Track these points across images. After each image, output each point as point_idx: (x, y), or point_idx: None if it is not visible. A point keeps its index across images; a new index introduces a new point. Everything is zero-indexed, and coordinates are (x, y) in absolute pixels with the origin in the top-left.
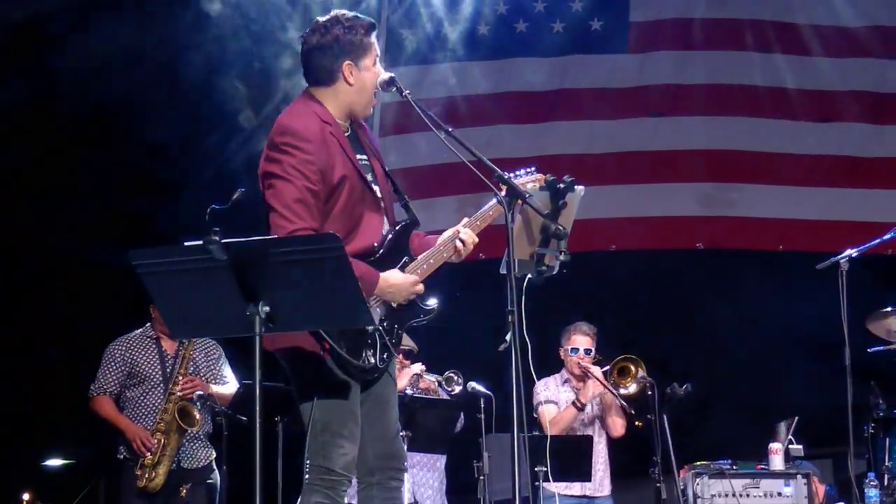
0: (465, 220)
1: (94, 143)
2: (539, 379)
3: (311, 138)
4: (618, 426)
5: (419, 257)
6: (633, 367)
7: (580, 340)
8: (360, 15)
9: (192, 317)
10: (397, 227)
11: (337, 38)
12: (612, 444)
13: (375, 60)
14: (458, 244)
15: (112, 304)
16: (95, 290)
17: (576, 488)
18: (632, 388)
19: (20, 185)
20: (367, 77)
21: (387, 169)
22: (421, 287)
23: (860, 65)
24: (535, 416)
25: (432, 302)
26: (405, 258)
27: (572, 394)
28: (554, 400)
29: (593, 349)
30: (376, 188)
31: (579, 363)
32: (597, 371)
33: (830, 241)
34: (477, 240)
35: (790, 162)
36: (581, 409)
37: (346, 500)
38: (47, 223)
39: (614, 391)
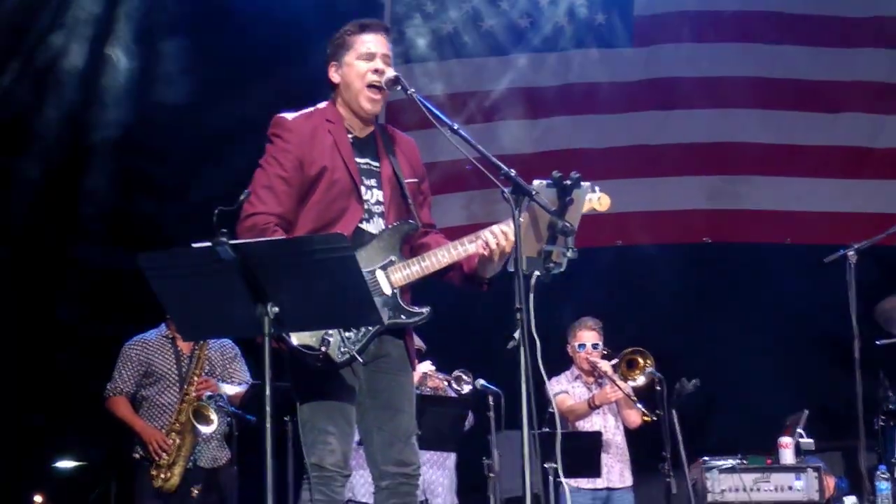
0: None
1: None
2: (549, 376)
3: (294, 129)
4: (633, 418)
5: (409, 260)
6: (641, 360)
7: (586, 336)
8: (365, 19)
9: (201, 318)
10: (388, 228)
11: (328, 47)
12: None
13: (363, 55)
14: (481, 242)
15: (121, 305)
16: (104, 292)
17: (599, 480)
18: (640, 380)
19: (28, 189)
20: (346, 72)
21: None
22: None
23: (868, 55)
24: (550, 410)
25: (419, 308)
26: (391, 258)
27: (584, 388)
28: (566, 392)
29: (600, 343)
30: (376, 192)
31: (587, 358)
32: (605, 365)
33: (839, 234)
34: (509, 238)
35: (797, 154)
36: (594, 408)
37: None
38: (55, 226)
39: (625, 389)
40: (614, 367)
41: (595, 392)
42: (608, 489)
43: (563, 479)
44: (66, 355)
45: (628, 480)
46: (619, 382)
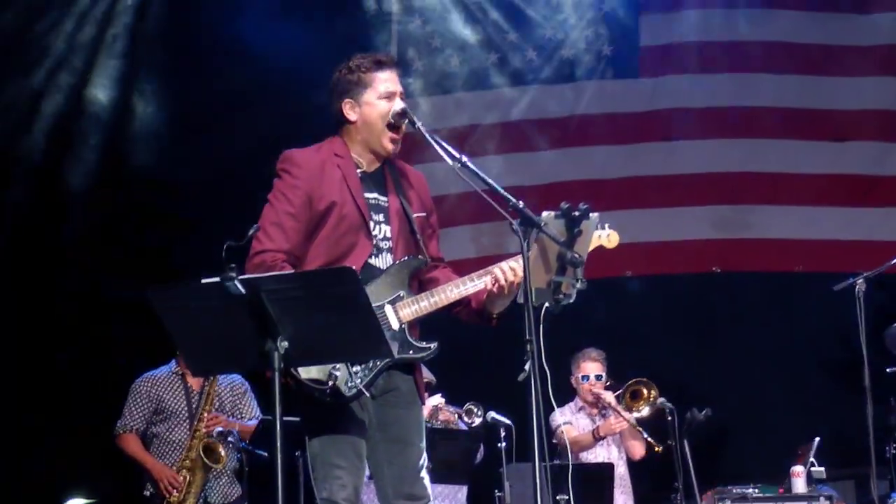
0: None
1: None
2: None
3: (302, 164)
4: (637, 449)
5: (418, 295)
6: (645, 391)
7: (590, 367)
8: (378, 54)
9: (210, 353)
10: (396, 263)
11: (337, 81)
12: (634, 469)
13: (384, 94)
14: (489, 278)
15: (131, 341)
16: (115, 328)
17: None
18: (644, 411)
19: (38, 223)
20: (367, 111)
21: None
22: None
23: (875, 83)
24: (555, 441)
25: (427, 343)
26: (400, 293)
27: (588, 420)
28: (570, 423)
29: (604, 374)
30: (384, 227)
31: (591, 390)
32: (609, 397)
33: (848, 261)
34: (518, 274)
35: (806, 182)
36: (599, 439)
37: None
38: (67, 262)
39: (630, 420)
40: (618, 397)
41: (599, 423)
42: None
43: None
44: (75, 391)
45: None
46: (624, 413)
